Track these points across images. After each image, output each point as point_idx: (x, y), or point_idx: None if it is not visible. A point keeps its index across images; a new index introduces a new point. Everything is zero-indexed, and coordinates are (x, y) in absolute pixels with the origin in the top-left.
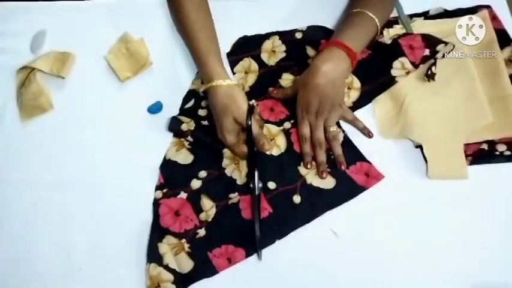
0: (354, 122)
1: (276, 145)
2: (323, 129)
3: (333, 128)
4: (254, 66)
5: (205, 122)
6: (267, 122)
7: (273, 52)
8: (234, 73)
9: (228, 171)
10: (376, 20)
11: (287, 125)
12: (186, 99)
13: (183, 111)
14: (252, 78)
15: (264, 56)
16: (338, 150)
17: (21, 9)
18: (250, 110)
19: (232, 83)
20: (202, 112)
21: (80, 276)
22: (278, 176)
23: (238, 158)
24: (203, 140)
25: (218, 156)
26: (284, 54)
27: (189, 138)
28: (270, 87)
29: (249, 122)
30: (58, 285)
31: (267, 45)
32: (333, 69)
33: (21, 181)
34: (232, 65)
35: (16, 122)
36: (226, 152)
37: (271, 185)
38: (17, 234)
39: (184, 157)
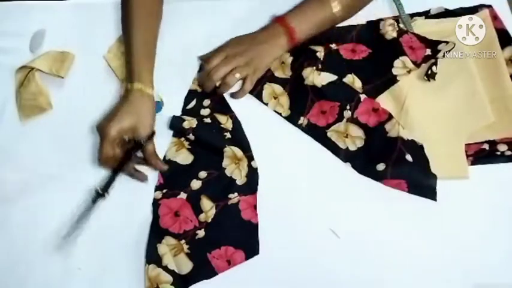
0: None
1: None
2: (228, 69)
3: (238, 75)
4: (278, 88)
5: (207, 120)
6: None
7: (283, 64)
8: (266, 104)
9: (228, 172)
10: (336, 9)
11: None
12: (187, 100)
13: (185, 111)
14: (284, 99)
15: (278, 73)
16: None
17: (20, 8)
18: (152, 134)
19: (151, 94)
20: (204, 112)
21: (78, 276)
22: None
23: (239, 158)
24: (204, 138)
25: (219, 155)
26: (291, 58)
27: (191, 136)
28: (305, 98)
29: (144, 143)
30: (57, 285)
31: (274, 63)
32: (265, 40)
33: (20, 181)
34: (259, 97)
35: (15, 121)
36: (227, 151)
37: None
38: (15, 234)
39: (184, 157)
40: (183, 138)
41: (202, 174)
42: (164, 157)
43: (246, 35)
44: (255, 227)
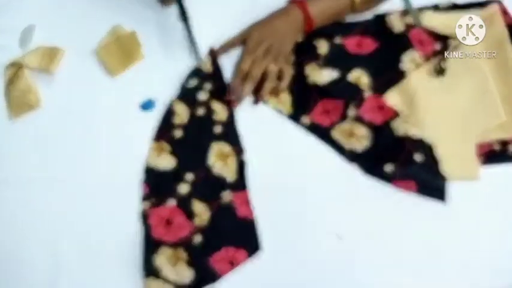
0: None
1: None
2: (261, 71)
3: (274, 67)
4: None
5: (201, 111)
6: None
7: None
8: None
9: (216, 170)
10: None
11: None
12: (190, 76)
13: (184, 89)
14: (286, 97)
15: None
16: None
17: (8, 4)
18: None
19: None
20: (202, 96)
21: (69, 277)
22: None
23: (226, 154)
24: (193, 136)
25: (203, 154)
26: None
27: (178, 132)
28: (307, 96)
29: None
30: (47, 285)
31: None
32: (284, 26)
33: (9, 179)
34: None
35: (4, 119)
36: (213, 147)
37: None
38: (5, 233)
39: (167, 162)
40: (162, 141)
41: (190, 176)
42: (146, 165)
43: (265, 23)
44: (252, 223)
